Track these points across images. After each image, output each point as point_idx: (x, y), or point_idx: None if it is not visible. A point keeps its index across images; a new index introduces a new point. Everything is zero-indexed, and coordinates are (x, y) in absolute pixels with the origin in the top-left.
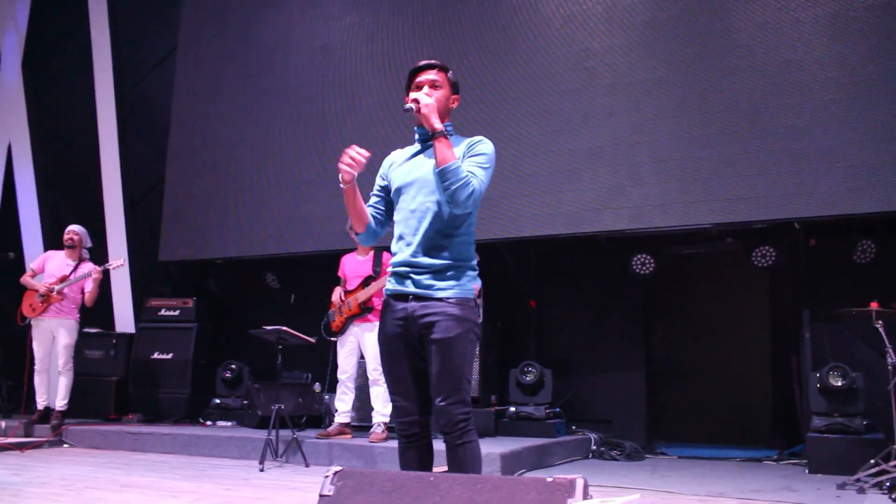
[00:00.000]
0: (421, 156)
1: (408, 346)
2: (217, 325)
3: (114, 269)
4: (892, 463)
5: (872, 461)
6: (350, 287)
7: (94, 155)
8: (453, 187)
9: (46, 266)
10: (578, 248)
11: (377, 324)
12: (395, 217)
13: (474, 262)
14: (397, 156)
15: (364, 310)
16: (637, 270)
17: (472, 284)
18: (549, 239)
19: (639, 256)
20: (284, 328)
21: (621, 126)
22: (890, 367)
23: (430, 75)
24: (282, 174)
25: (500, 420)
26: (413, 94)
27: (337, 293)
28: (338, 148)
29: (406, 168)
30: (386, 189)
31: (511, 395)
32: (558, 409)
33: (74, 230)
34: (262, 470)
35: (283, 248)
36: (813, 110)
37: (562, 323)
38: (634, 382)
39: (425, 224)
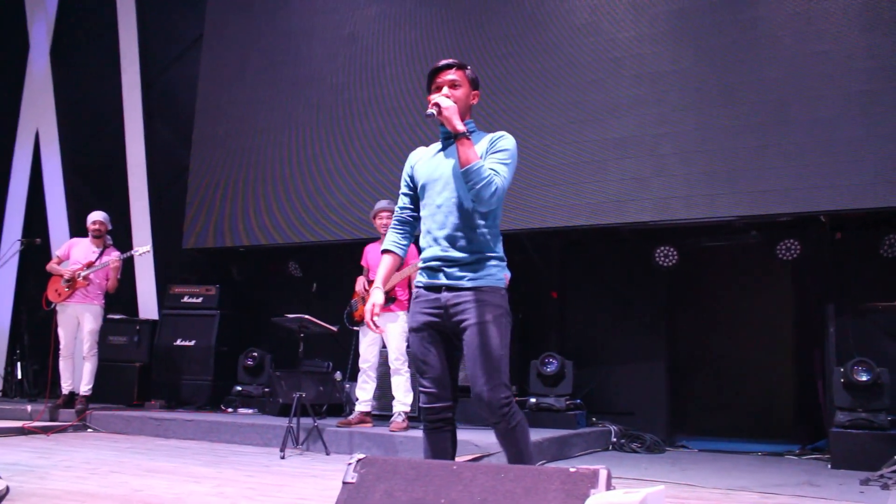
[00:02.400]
0: (446, 151)
1: (441, 335)
2: (239, 312)
3: (139, 255)
4: None
5: None
6: (373, 277)
7: (120, 143)
8: (477, 187)
9: (72, 253)
10: (601, 239)
11: (399, 314)
12: (423, 212)
13: (502, 253)
14: (421, 153)
15: (387, 300)
16: (660, 263)
17: (502, 274)
18: (573, 230)
19: (662, 248)
20: (306, 316)
21: (646, 117)
22: None
23: (450, 75)
24: (305, 162)
25: (521, 411)
26: (433, 97)
27: (360, 283)
28: (362, 136)
29: (431, 164)
30: (412, 186)
31: (532, 386)
32: (579, 401)
33: (100, 219)
34: (283, 457)
35: (305, 236)
36: (841, 102)
37: (583, 314)
38: (656, 375)
39: (452, 219)
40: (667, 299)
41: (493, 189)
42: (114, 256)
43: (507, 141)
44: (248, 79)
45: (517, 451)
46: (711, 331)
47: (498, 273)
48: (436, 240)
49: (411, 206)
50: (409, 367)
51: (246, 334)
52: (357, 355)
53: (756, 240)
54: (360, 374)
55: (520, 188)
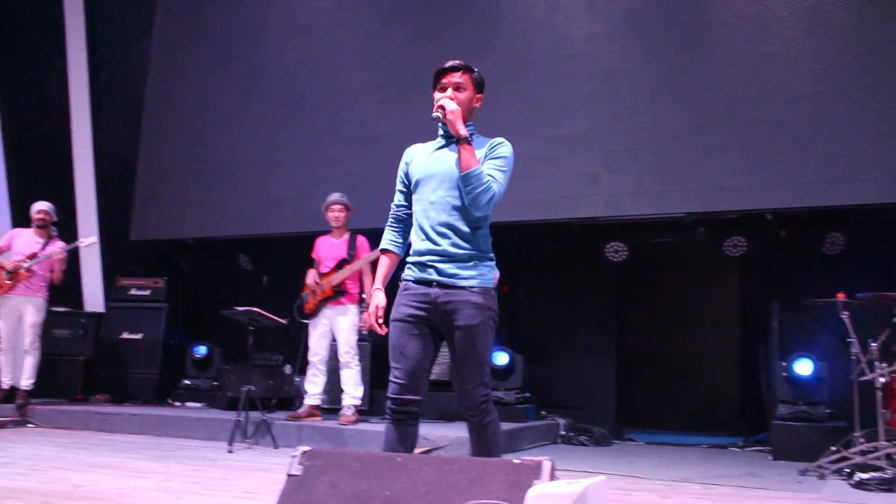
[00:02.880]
0: (444, 150)
1: (424, 330)
2: (188, 305)
3: (84, 247)
4: (852, 450)
5: (834, 448)
6: (324, 270)
7: (65, 131)
8: (475, 192)
9: (14, 244)
10: (553, 234)
11: (350, 307)
12: (415, 208)
13: (492, 253)
14: (417, 149)
15: (338, 293)
16: (610, 258)
17: (491, 274)
18: (524, 225)
19: (612, 244)
20: (256, 309)
21: (599, 114)
22: (854, 357)
23: (455, 77)
24: (257, 155)
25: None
26: (438, 97)
27: (311, 275)
28: (315, 129)
29: (428, 161)
30: (407, 183)
31: None
32: (528, 394)
33: (45, 209)
34: (230, 451)
35: (256, 229)
36: (788, 103)
37: (534, 309)
38: (605, 369)
39: (445, 216)
40: (616, 294)
41: (489, 195)
42: (58, 247)
43: (506, 148)
44: (200, 69)
45: (486, 447)
46: (659, 326)
47: (488, 273)
48: (428, 236)
49: (406, 204)
50: (359, 360)
51: (195, 327)
52: (307, 349)
53: (704, 236)
54: (309, 367)
55: None
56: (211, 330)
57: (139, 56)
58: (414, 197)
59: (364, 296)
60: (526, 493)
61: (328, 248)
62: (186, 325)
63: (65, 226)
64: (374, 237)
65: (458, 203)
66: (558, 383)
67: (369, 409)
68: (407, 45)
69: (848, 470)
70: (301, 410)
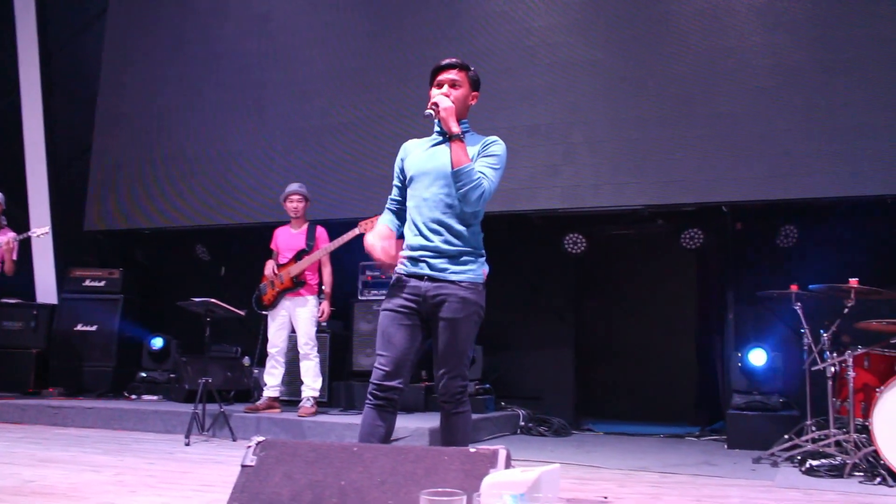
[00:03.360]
0: (439, 147)
1: (413, 321)
2: (144, 296)
3: (37, 237)
4: (804, 438)
5: (786, 436)
6: (282, 260)
7: (15, 117)
8: (466, 188)
9: None
10: (512, 226)
11: (309, 298)
12: (409, 203)
13: (482, 249)
14: (413, 144)
15: (296, 284)
16: (569, 249)
17: (481, 270)
18: (483, 216)
19: (571, 236)
20: (213, 300)
21: (558, 105)
22: (806, 348)
23: (451, 74)
24: (214, 144)
25: (430, 396)
26: (434, 94)
27: (270, 266)
28: (274, 119)
29: (423, 157)
30: (402, 178)
31: None
32: (488, 386)
33: None
34: (187, 444)
35: (214, 219)
36: (744, 97)
37: (493, 300)
38: (564, 360)
39: (438, 213)
40: (575, 286)
41: (480, 192)
42: (9, 237)
43: (499, 146)
44: (156, 55)
45: (455, 436)
46: (618, 317)
47: (478, 269)
48: (420, 231)
49: (401, 198)
50: (318, 352)
51: (151, 319)
52: (266, 340)
53: (661, 229)
54: (268, 359)
55: None
56: (168, 322)
57: (93, 41)
58: (408, 192)
59: (324, 287)
60: (481, 481)
61: (287, 239)
62: (143, 317)
63: (15, 215)
64: (334, 228)
65: (450, 200)
66: (518, 374)
67: (329, 400)
68: (367, 35)
69: (799, 457)
70: (260, 402)
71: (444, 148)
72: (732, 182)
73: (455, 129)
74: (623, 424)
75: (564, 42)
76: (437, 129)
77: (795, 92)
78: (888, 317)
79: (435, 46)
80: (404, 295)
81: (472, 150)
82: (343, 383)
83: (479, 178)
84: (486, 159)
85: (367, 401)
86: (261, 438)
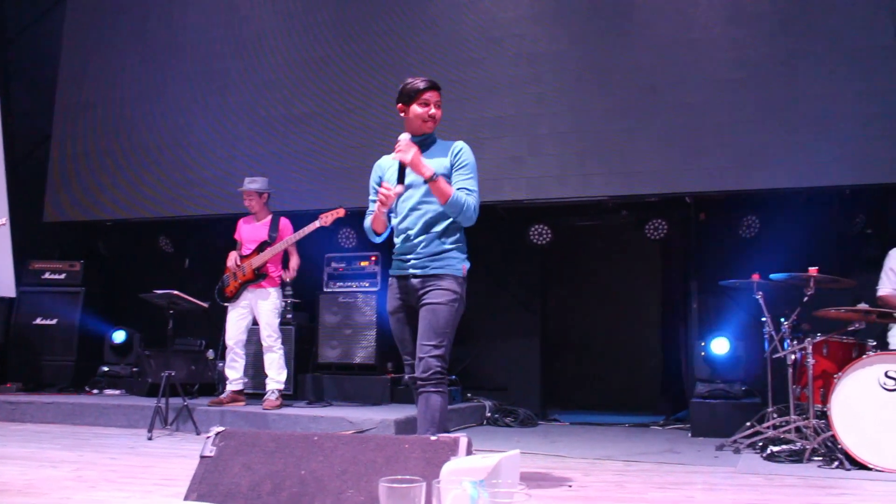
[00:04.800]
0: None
1: (408, 315)
2: (106, 289)
3: None
4: (765, 425)
5: (748, 423)
6: (245, 252)
7: None
8: (460, 216)
9: None
10: (477, 217)
11: (271, 290)
12: (396, 211)
13: (464, 246)
14: (386, 163)
15: (258, 276)
16: (534, 241)
17: (460, 265)
18: None
19: (536, 227)
20: (175, 292)
21: (523, 97)
22: (767, 336)
23: (435, 96)
24: (177, 134)
25: (396, 387)
26: (419, 111)
27: (232, 258)
28: (237, 109)
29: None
30: None
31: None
32: (454, 377)
33: None
34: (150, 438)
35: (177, 210)
36: (707, 89)
37: None
38: (530, 351)
39: (423, 221)
40: (540, 277)
41: (472, 210)
42: None
43: (467, 154)
44: (118, 44)
45: (431, 418)
46: (583, 307)
47: (457, 264)
48: (409, 238)
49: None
50: (282, 344)
51: (113, 312)
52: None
53: (626, 219)
54: (227, 351)
55: None
56: (130, 315)
57: (53, 27)
58: (394, 205)
59: (287, 279)
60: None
61: (250, 230)
62: (104, 310)
63: None
64: (298, 219)
65: (433, 208)
66: (484, 365)
67: (294, 393)
68: (330, 25)
69: (761, 443)
70: (224, 396)
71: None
72: (696, 173)
73: (427, 172)
74: (589, 414)
75: (530, 33)
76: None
77: (757, 84)
78: (846, 305)
79: (400, 37)
80: (399, 296)
81: (443, 161)
82: (309, 376)
83: (466, 200)
84: (461, 173)
85: (415, 392)
86: (220, 429)
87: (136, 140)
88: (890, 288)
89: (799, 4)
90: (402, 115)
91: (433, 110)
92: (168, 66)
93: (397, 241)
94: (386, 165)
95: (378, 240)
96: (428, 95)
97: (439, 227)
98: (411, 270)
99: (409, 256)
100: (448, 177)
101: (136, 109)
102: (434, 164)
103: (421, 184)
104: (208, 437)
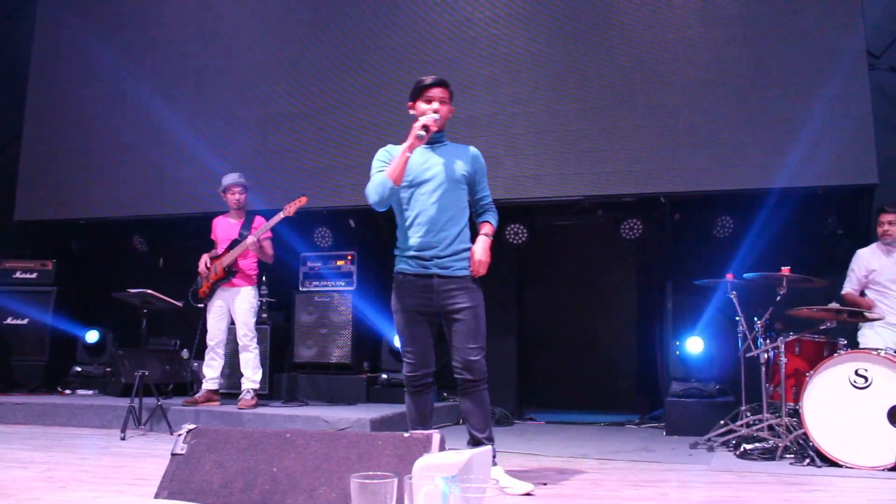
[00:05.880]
0: (434, 154)
1: (427, 316)
2: (79, 289)
3: None
4: (739, 423)
5: (722, 422)
6: (220, 250)
7: None
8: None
9: None
10: None
11: (245, 289)
12: (412, 205)
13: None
14: (397, 151)
15: (228, 273)
16: (510, 240)
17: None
18: None
19: (512, 226)
20: (149, 291)
21: (500, 96)
22: (741, 335)
23: (439, 92)
24: (153, 132)
25: (372, 387)
26: (423, 108)
27: (203, 259)
28: (213, 108)
29: (419, 162)
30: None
31: (384, 362)
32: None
33: None
34: (123, 438)
35: (152, 209)
36: (682, 90)
37: None
38: (506, 350)
39: (445, 217)
40: (517, 276)
41: (497, 217)
42: None
43: (483, 161)
44: (91, 41)
45: (486, 411)
46: (559, 307)
47: (468, 262)
48: (428, 233)
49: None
50: (258, 343)
51: (86, 312)
52: (204, 332)
53: (602, 219)
54: (207, 351)
55: (370, 163)
56: (104, 314)
57: (24, 24)
58: (408, 196)
59: (263, 278)
60: None
61: (225, 229)
62: (77, 310)
63: None
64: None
65: (454, 204)
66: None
67: (270, 393)
68: (309, 24)
69: (734, 441)
70: (198, 395)
71: (439, 154)
72: (671, 174)
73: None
74: (565, 413)
75: (506, 33)
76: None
77: (731, 85)
78: (818, 304)
79: (376, 37)
80: (416, 294)
81: (463, 166)
82: (284, 375)
83: (494, 211)
84: (482, 181)
85: (407, 390)
86: (191, 426)
87: (110, 139)
88: (850, 287)
89: (772, 8)
90: (412, 111)
91: (436, 105)
92: (142, 64)
93: (412, 234)
94: (393, 153)
95: (383, 202)
96: (432, 92)
97: (460, 226)
98: (435, 270)
99: (429, 253)
100: (467, 182)
101: (109, 107)
102: (457, 167)
103: (443, 176)
104: (179, 435)
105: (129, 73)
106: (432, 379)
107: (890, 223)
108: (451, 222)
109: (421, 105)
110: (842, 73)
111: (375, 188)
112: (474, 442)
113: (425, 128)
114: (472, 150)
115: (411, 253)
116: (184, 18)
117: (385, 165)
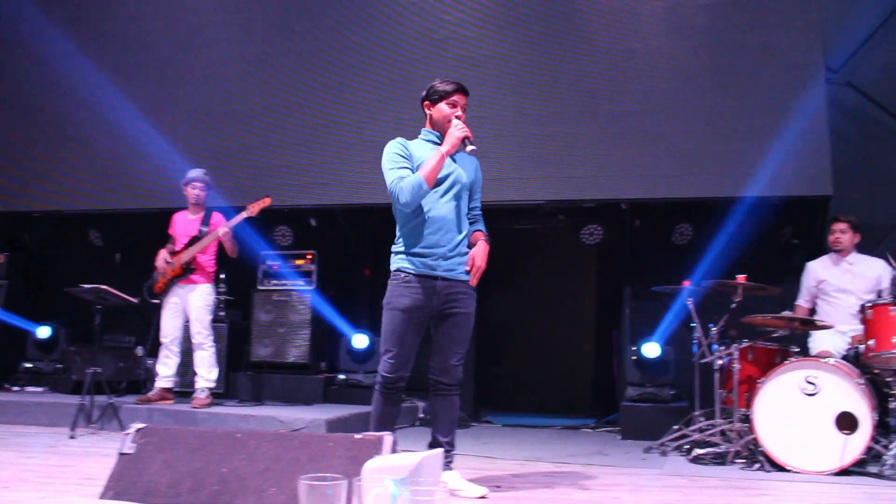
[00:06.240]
0: (447, 159)
1: (423, 319)
2: (32, 283)
3: None
4: (692, 428)
5: (676, 427)
6: (178, 247)
7: None
8: None
9: None
10: None
11: (202, 286)
12: (425, 203)
13: None
14: (414, 145)
15: (186, 270)
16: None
17: None
18: (386, 207)
19: None
20: (104, 287)
21: None
22: (696, 341)
23: (465, 100)
24: (112, 126)
25: (330, 387)
26: (449, 111)
27: (161, 254)
28: (173, 102)
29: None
30: (411, 168)
31: (341, 362)
32: None
33: None
34: (72, 437)
35: (109, 203)
36: (644, 98)
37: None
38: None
39: (454, 221)
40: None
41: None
42: None
43: (481, 172)
44: (50, 31)
45: (452, 417)
46: (518, 310)
47: None
48: (435, 233)
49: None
50: (213, 341)
51: (38, 307)
52: (159, 329)
53: (563, 224)
54: (161, 348)
55: (336, 163)
56: (57, 309)
57: None
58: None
59: (221, 275)
60: None
61: (184, 225)
62: (29, 305)
63: None
64: (233, 216)
65: (461, 208)
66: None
67: (226, 392)
68: (275, 21)
69: (687, 446)
70: (152, 393)
71: (450, 160)
72: (632, 180)
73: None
74: (522, 417)
75: (474, 36)
76: (431, 138)
77: (692, 94)
78: (772, 312)
79: (343, 35)
80: (416, 295)
81: (470, 174)
82: (241, 374)
83: (483, 220)
84: (479, 191)
85: (380, 391)
86: (141, 425)
87: (69, 131)
88: (801, 300)
89: (734, 20)
90: (427, 111)
91: (460, 113)
92: (103, 57)
93: (422, 233)
94: (414, 149)
95: (414, 204)
96: (456, 97)
97: (464, 230)
98: (441, 273)
99: (437, 253)
100: (469, 189)
101: (68, 99)
102: (465, 173)
103: (455, 180)
104: (128, 434)
105: (89, 65)
106: (404, 384)
107: (841, 231)
108: (459, 225)
109: (443, 107)
110: (800, 86)
111: (412, 190)
112: (436, 446)
113: (466, 139)
114: (475, 159)
115: (418, 250)
116: (146, 12)
117: (403, 161)
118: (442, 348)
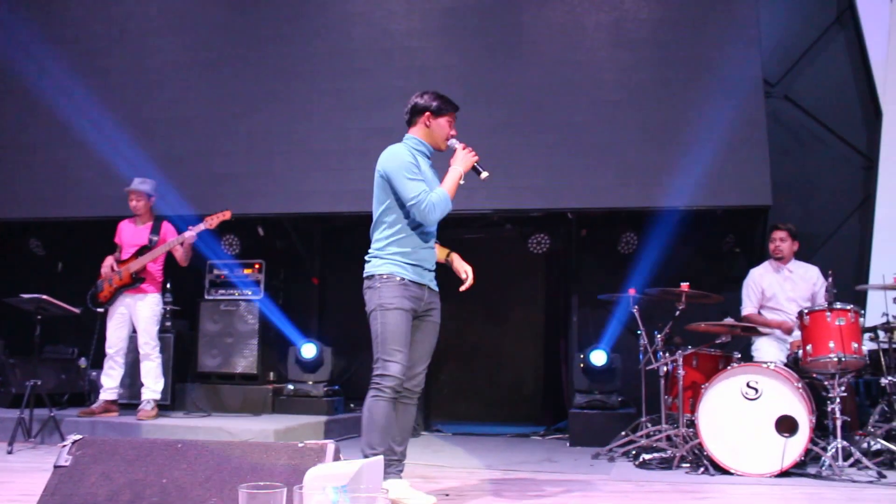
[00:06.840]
0: (431, 170)
1: (416, 323)
2: None
3: None
4: (638, 434)
5: (623, 433)
6: (125, 256)
7: None
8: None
9: None
10: (363, 226)
11: (150, 295)
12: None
13: None
14: (417, 159)
15: (135, 280)
16: None
17: None
18: (335, 216)
19: None
20: (44, 297)
21: None
22: (642, 348)
23: (453, 120)
24: (53, 132)
25: (278, 397)
26: (449, 130)
27: (107, 262)
28: (119, 108)
29: (430, 177)
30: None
31: (290, 372)
32: (337, 387)
33: None
34: (10, 452)
35: (50, 212)
36: (590, 109)
37: (344, 301)
38: None
39: (434, 233)
40: None
41: None
42: None
43: None
44: None
45: (408, 426)
46: (467, 319)
47: None
48: (428, 245)
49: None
50: (160, 352)
51: None
52: (103, 339)
53: (510, 233)
54: (106, 359)
55: (282, 171)
56: None
57: None
58: None
59: (168, 285)
60: None
61: (131, 234)
62: None
63: None
64: (182, 224)
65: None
66: (367, 376)
67: (171, 403)
68: (221, 27)
69: (634, 452)
70: (95, 406)
71: (433, 176)
72: (578, 190)
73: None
74: (471, 425)
75: (421, 46)
76: (428, 151)
77: (638, 106)
78: (715, 319)
79: (290, 43)
80: (413, 299)
81: None
82: (187, 385)
83: None
84: None
85: (387, 394)
86: (77, 437)
87: (7, 137)
88: (750, 307)
89: (677, 34)
90: (426, 124)
91: (454, 132)
92: (44, 59)
93: (418, 242)
94: (417, 160)
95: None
96: (453, 116)
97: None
98: (427, 282)
99: (426, 266)
100: None
101: (5, 104)
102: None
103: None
104: (63, 447)
105: (30, 67)
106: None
107: (781, 240)
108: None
109: (444, 123)
110: (740, 99)
111: (444, 207)
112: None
113: (479, 165)
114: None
115: (411, 261)
116: (89, 15)
117: (418, 172)
118: (412, 356)
